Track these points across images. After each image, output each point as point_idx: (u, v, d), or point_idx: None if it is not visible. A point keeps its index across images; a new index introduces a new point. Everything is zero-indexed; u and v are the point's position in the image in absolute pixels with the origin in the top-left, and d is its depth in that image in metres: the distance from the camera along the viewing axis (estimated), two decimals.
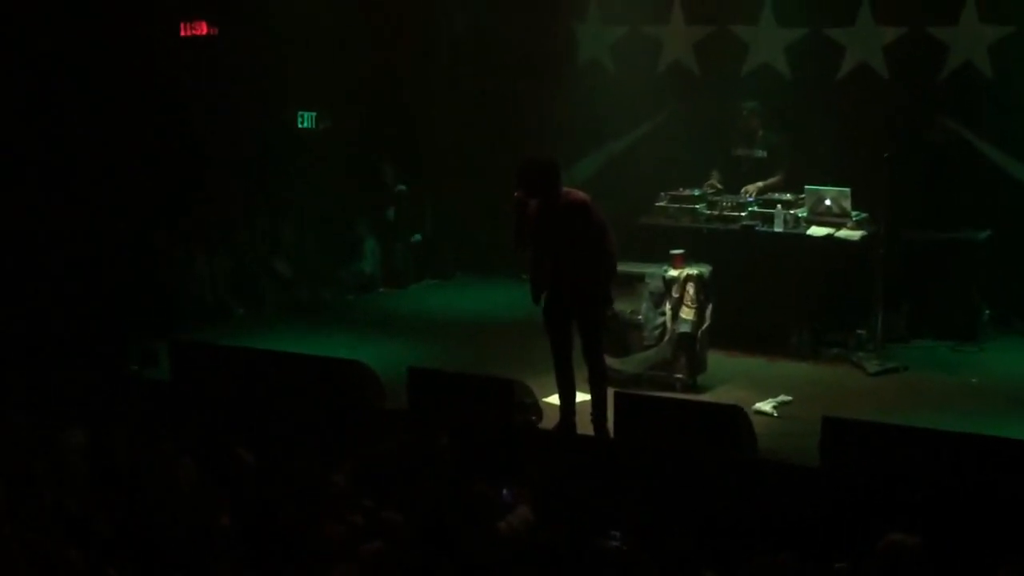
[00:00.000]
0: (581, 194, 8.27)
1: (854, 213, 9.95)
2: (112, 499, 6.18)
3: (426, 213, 13.14)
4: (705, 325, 9.29)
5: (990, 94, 10.78)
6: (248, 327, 11.26)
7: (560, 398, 8.42)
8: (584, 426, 8.29)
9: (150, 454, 6.74)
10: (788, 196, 10.23)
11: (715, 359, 9.55)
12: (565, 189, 8.23)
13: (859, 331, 9.97)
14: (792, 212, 10.06)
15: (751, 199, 10.36)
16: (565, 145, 11.24)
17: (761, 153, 10.69)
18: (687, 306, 9.20)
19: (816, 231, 9.96)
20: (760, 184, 10.53)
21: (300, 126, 12.91)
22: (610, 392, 8.25)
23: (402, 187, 12.89)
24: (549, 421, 8.39)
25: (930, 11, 10.92)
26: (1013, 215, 10.69)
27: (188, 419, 8.24)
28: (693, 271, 9.26)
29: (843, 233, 9.89)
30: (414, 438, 7.15)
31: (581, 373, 8.39)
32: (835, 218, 9.96)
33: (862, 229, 9.92)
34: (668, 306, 9.26)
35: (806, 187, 10.16)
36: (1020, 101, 10.62)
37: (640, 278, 9.33)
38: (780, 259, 10.00)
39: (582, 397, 8.41)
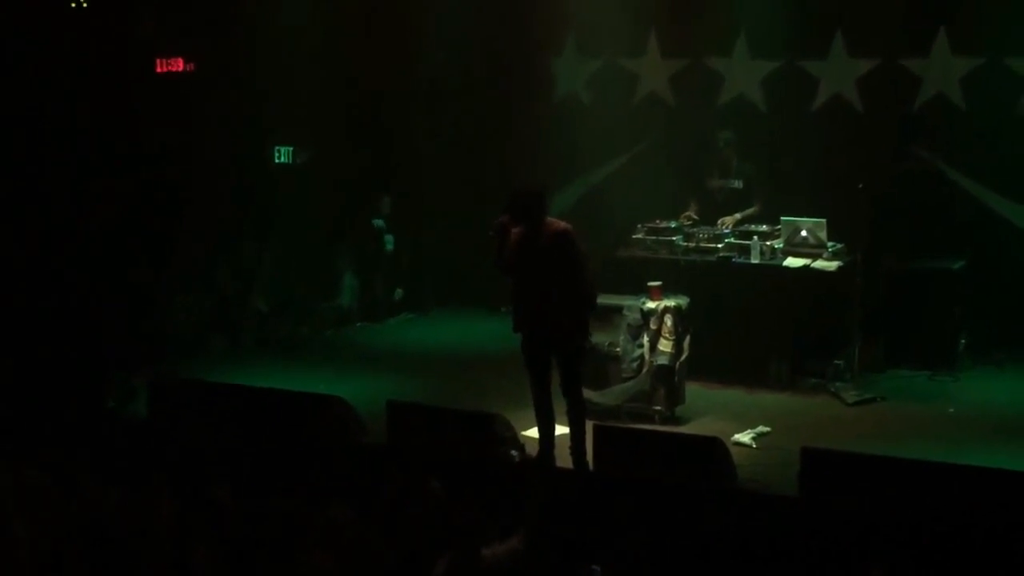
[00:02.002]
0: (563, 223, 8.28)
1: (830, 244, 9.99)
2: (86, 539, 6.12)
3: (404, 248, 13.13)
4: (683, 357, 9.29)
5: (963, 125, 10.87)
6: (226, 363, 11.20)
7: (539, 431, 8.39)
8: (563, 459, 8.27)
9: (127, 492, 6.69)
10: (764, 227, 10.28)
11: (693, 391, 9.56)
12: (548, 218, 8.25)
13: (837, 361, 9.98)
14: (768, 243, 10.10)
15: (727, 231, 10.40)
16: (542, 177, 11.21)
17: (737, 183, 10.73)
18: (665, 338, 9.21)
19: (792, 262, 10.00)
20: (738, 216, 10.59)
21: (277, 161, 12.91)
22: (589, 425, 8.25)
23: (379, 222, 12.88)
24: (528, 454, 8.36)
25: (902, 43, 11.02)
26: (988, 244, 10.76)
27: (166, 456, 8.18)
28: (671, 303, 9.27)
29: (819, 264, 9.93)
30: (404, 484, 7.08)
31: (560, 406, 8.37)
32: (811, 249, 10.01)
33: (838, 259, 9.97)
34: (646, 338, 9.26)
35: (782, 218, 10.22)
36: (992, 131, 10.72)
37: (618, 310, 9.32)
38: (757, 290, 10.02)
39: (561, 430, 8.39)
